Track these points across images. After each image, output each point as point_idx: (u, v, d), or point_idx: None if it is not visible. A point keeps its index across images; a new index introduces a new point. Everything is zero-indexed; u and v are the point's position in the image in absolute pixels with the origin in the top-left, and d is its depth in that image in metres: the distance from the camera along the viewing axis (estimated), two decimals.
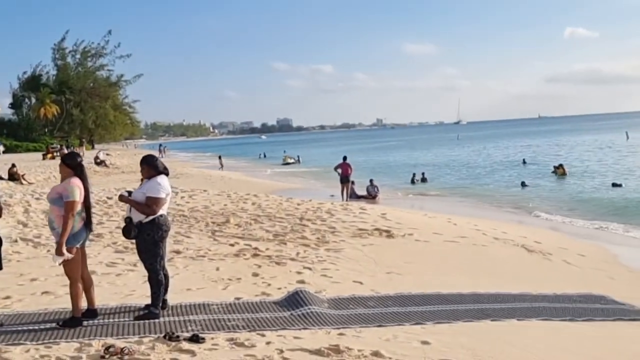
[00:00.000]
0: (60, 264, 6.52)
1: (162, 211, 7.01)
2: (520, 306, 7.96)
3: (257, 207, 15.93)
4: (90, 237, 11.81)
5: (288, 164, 64.40)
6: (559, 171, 35.03)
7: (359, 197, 25.76)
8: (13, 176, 29.47)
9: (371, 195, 26.30)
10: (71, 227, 6.45)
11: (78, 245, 6.63)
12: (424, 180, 35.16)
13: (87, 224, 6.77)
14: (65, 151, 59.06)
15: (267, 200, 17.29)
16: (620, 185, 27.86)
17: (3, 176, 29.41)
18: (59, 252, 6.42)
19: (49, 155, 55.01)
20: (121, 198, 7.11)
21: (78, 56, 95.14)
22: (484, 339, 6.44)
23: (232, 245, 11.40)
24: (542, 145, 71.90)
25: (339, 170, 24.95)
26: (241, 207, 15.94)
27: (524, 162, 44.80)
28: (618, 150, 55.70)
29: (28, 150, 75.39)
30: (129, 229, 6.89)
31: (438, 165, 48.87)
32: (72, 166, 6.72)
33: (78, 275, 6.66)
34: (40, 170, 36.67)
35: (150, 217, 6.87)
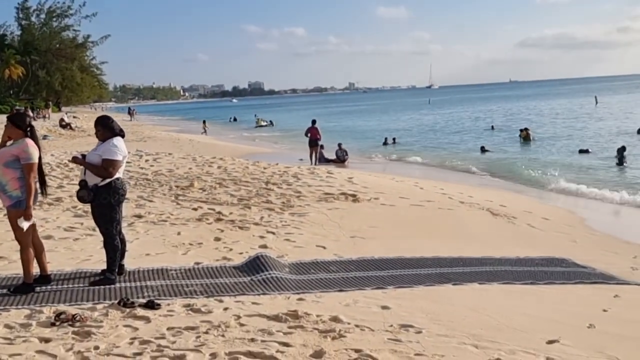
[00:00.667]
0: (26, 229, 6.30)
1: (119, 174, 6.79)
2: (482, 270, 7.95)
3: (222, 171, 15.71)
4: (49, 200, 11.66)
5: (261, 126, 64.12)
6: (523, 134, 35.13)
7: (328, 161, 25.62)
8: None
9: (340, 160, 26.18)
10: (33, 190, 6.26)
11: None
12: (394, 143, 35.86)
13: (42, 187, 6.58)
14: (31, 113, 57.94)
15: (234, 164, 17.08)
16: (587, 151, 27.85)
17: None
18: (27, 217, 6.21)
19: None
20: (74, 160, 6.89)
21: (43, 16, 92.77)
22: (444, 303, 6.41)
23: (195, 209, 11.22)
24: (512, 110, 72.19)
25: (309, 135, 24.81)
26: (206, 171, 15.71)
27: (492, 128, 44.55)
28: (587, 114, 56.22)
29: None
30: (84, 193, 6.67)
31: (408, 130, 48.92)
32: (23, 127, 6.45)
33: (29, 240, 6.45)
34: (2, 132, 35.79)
35: (107, 181, 6.66)
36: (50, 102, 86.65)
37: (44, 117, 60.64)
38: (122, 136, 6.98)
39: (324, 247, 8.90)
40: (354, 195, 12.88)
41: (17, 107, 63.74)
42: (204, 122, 52.91)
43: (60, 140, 32.47)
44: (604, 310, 6.53)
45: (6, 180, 6.29)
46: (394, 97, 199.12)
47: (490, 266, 8.24)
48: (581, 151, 28.08)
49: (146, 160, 17.65)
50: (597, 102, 73.86)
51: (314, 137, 24.55)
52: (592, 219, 13.19)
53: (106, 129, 6.84)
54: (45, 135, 33.51)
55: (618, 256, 9.62)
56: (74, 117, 60.15)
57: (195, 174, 15.29)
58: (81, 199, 6.74)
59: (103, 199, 6.64)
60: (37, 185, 6.52)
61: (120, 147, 6.75)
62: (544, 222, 12.11)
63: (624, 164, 22.02)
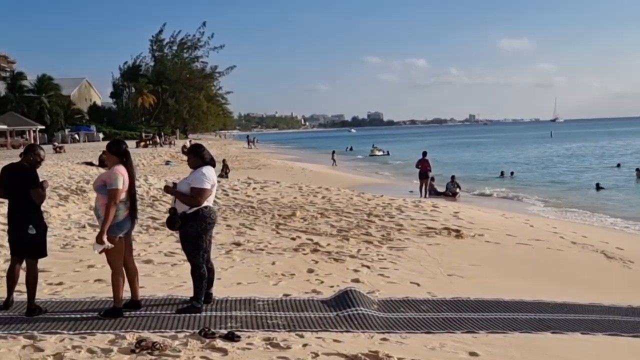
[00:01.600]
0: (100, 253, 6.47)
1: (207, 202, 6.83)
2: (587, 318, 7.33)
3: (326, 201, 15.68)
4: (156, 225, 12.04)
5: (375, 155, 64.43)
6: (638, 172, 33.01)
7: (439, 194, 25.15)
8: (103, 162, 30.47)
9: (451, 193, 25.57)
10: (113, 216, 6.38)
11: (122, 235, 6.55)
12: (512, 176, 35.37)
13: (132, 214, 6.68)
14: (158, 140, 61.08)
15: (338, 194, 17.00)
16: None
17: (94, 162, 30.50)
18: (99, 241, 6.36)
19: (142, 143, 56.84)
20: (166, 189, 7.00)
21: (175, 47, 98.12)
22: (538, 353, 5.93)
23: (293, 239, 11.19)
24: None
25: (419, 167, 24.46)
26: (310, 201, 15.73)
27: (618, 166, 41.39)
28: None
29: (125, 138, 78.21)
30: (173, 220, 6.76)
31: (527, 164, 47.30)
32: (118, 153, 6.63)
33: (120, 265, 6.59)
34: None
35: (195, 209, 6.71)
36: (178, 130, 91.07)
37: (170, 143, 63.58)
38: (213, 165, 7.03)
39: (418, 284, 8.56)
40: (457, 231, 12.42)
41: (147, 134, 67.42)
42: (333, 152, 51.22)
43: (182, 166, 33.73)
44: None
45: (98, 205, 6.48)
46: (516, 130, 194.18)
47: (598, 314, 7.59)
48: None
49: (254, 188, 17.94)
50: None
51: (424, 169, 24.14)
52: None
53: (197, 157, 6.92)
54: (167, 161, 35.09)
55: None
56: None
57: (299, 203, 15.35)
58: (170, 225, 6.83)
59: (190, 227, 6.69)
60: (128, 213, 6.62)
61: (208, 176, 6.79)
62: None
63: None
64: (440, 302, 7.67)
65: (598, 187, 28.92)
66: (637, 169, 34.22)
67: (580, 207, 22.35)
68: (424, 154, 24.80)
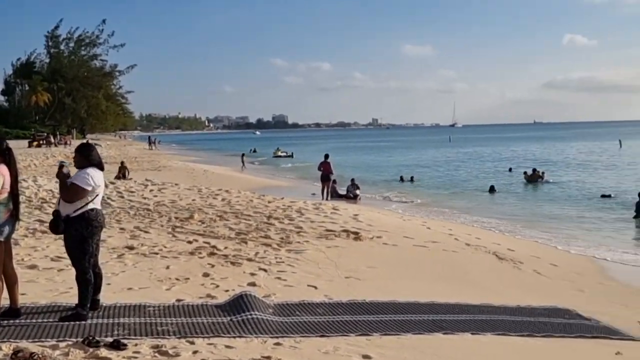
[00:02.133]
0: None
1: (94, 205, 6.51)
2: (478, 318, 7.50)
3: (226, 204, 15.45)
4: (44, 228, 11.43)
5: (279, 157, 64.71)
6: (526, 175, 34.78)
7: (340, 197, 25.39)
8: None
9: (352, 195, 25.85)
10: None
11: (1, 239, 6.12)
12: (412, 181, 35.72)
13: (14, 216, 6.27)
14: (52, 140, 58.65)
15: (238, 197, 16.81)
16: (609, 196, 26.97)
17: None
18: None
19: (35, 143, 54.46)
20: (59, 173, 6.60)
21: (72, 44, 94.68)
22: (430, 354, 6.00)
23: (190, 242, 10.92)
24: (534, 152, 71.59)
25: (321, 169, 24.60)
26: (209, 203, 15.45)
27: (510, 170, 42.95)
28: (610, 158, 55.49)
29: (18, 137, 74.68)
30: (56, 224, 6.40)
31: (427, 167, 48.68)
32: None
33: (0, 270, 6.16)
34: (21, 157, 36.09)
35: (80, 212, 6.37)
36: (75, 129, 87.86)
37: (65, 143, 61.24)
38: (101, 169, 6.72)
39: (315, 288, 8.51)
40: (356, 233, 12.51)
41: (40, 133, 64.63)
42: (243, 155, 50.34)
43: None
44: None
45: None
46: (417, 134, 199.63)
47: (488, 314, 7.79)
48: (603, 196, 27.26)
49: (151, 190, 17.46)
50: (621, 146, 73.06)
51: (326, 172, 24.29)
52: (604, 267, 12.67)
53: (82, 157, 6.62)
54: (62, 162, 33.61)
55: (627, 309, 9.10)
56: (96, 144, 60.56)
57: (198, 205, 15.04)
58: (53, 229, 6.47)
59: (75, 230, 6.36)
60: (9, 215, 6.22)
61: (91, 177, 6.46)
62: (552, 268, 11.62)
63: None
64: (336, 304, 7.65)
65: (492, 190, 29.99)
66: (524, 172, 35.93)
67: (475, 210, 23.13)
68: (326, 156, 24.95)
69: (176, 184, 19.34)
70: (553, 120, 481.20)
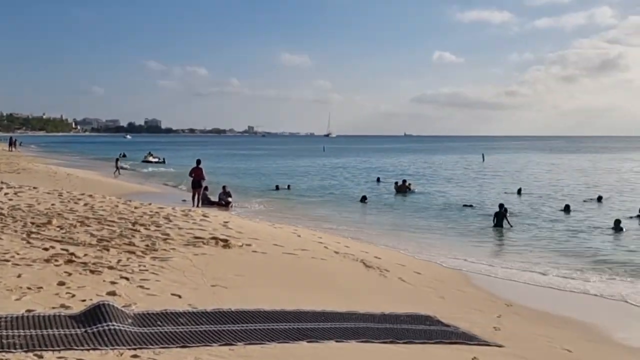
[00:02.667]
0: None
1: None
2: (343, 326, 7.56)
3: (88, 209, 14.75)
4: None
5: (149, 162, 63.05)
6: (396, 186, 36.01)
7: (212, 204, 25.05)
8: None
9: (224, 202, 25.57)
10: None
11: None
12: (289, 188, 35.91)
13: None
14: None
15: (103, 202, 16.12)
16: (471, 206, 28.36)
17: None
18: None
19: None
20: None
21: None
22: None
23: (46, 249, 10.29)
24: (403, 163, 74.23)
25: (192, 175, 24.19)
26: (70, 208, 14.69)
27: (378, 181, 44.18)
28: (475, 170, 58.47)
29: None
30: None
31: (302, 175, 49.15)
32: None
33: None
34: None
35: None
36: None
37: None
38: None
39: (180, 296, 8.26)
40: (225, 241, 12.31)
41: None
42: (117, 160, 47.50)
43: None
44: None
45: None
46: (292, 142, 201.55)
47: (353, 322, 7.87)
48: (465, 205, 28.63)
49: (5, 194, 16.38)
50: (484, 159, 77.15)
51: (197, 178, 23.91)
52: (464, 275, 13.22)
53: None
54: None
55: (483, 314, 9.53)
56: None
57: (58, 210, 14.26)
58: None
59: None
60: None
61: None
62: (416, 276, 11.97)
63: (504, 225, 22.21)
64: (201, 314, 7.46)
65: (363, 200, 30.64)
66: (395, 182, 37.24)
67: (346, 218, 23.58)
68: (198, 162, 24.54)
69: (34, 188, 18.28)
70: (423, 133, 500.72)
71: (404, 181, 36.72)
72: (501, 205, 22.85)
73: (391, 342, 7.12)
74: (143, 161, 64.26)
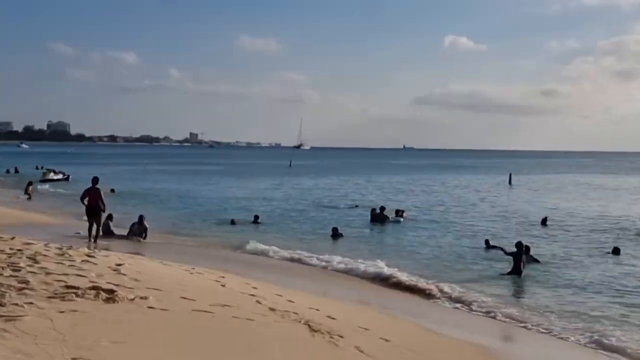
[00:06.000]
0: None
1: None
2: None
3: None
4: None
5: (48, 180, 62.88)
6: (373, 212, 37.55)
7: (121, 237, 24.68)
8: None
9: (136, 236, 25.09)
10: None
11: None
12: (255, 221, 35.82)
13: None
14: None
15: None
16: (496, 247, 27.60)
17: None
18: None
19: None
20: None
21: None
22: None
23: None
24: (399, 183, 74.53)
25: (85, 200, 23.73)
26: None
27: (356, 207, 45.90)
28: (496, 196, 58.85)
29: None
30: None
31: (268, 202, 49.17)
32: None
33: None
34: None
35: None
36: None
37: None
38: None
39: None
40: (110, 292, 11.71)
41: None
42: (30, 184, 48.88)
43: None
44: None
45: None
46: (252, 156, 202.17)
47: None
48: (490, 246, 28.10)
49: None
50: (511, 182, 77.75)
51: (93, 204, 23.40)
52: (457, 344, 12.86)
53: None
54: None
55: None
56: None
57: None
58: None
59: None
60: None
61: None
62: (382, 344, 11.55)
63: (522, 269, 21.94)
64: None
65: (335, 236, 30.50)
66: (372, 209, 38.46)
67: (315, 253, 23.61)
68: (95, 181, 24.14)
69: None
70: (429, 146, 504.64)
71: (382, 208, 37.92)
72: (519, 245, 22.53)
73: None
74: (42, 180, 63.79)
